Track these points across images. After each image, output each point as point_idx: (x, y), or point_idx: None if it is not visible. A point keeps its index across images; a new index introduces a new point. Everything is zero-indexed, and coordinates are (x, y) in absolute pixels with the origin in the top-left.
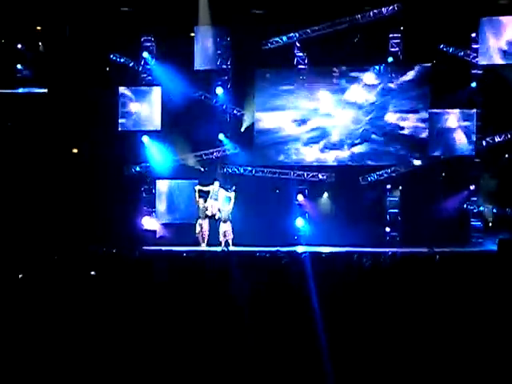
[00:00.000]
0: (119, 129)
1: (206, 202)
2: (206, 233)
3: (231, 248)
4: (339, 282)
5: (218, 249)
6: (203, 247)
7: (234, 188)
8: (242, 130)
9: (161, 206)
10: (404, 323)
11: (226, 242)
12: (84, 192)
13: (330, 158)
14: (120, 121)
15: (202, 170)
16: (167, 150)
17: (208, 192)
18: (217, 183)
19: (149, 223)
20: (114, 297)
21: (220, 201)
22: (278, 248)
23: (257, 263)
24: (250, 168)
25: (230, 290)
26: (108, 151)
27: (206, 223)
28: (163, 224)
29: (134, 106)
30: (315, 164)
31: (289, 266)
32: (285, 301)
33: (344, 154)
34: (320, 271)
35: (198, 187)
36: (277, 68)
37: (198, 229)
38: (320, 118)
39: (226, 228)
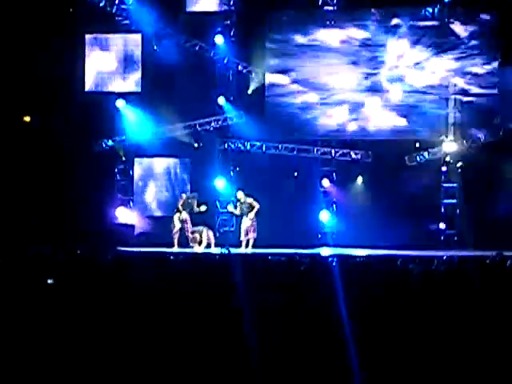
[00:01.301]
0: (86, 90)
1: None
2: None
3: (240, 250)
4: (378, 296)
5: (216, 250)
6: (197, 248)
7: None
8: (250, 92)
9: (140, 192)
10: (466, 348)
11: (247, 242)
12: (38, 174)
13: (366, 130)
14: (87, 80)
15: (196, 145)
16: (149, 119)
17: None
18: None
19: (125, 216)
20: (77, 313)
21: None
22: (297, 250)
23: (268, 271)
24: (259, 143)
25: (230, 308)
26: (71, 120)
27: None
28: (144, 217)
29: (105, 60)
30: (346, 138)
31: (310, 274)
32: (305, 322)
33: (384, 124)
34: (352, 281)
35: (184, 195)
36: (296, 9)
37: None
38: (352, 79)
39: (247, 224)
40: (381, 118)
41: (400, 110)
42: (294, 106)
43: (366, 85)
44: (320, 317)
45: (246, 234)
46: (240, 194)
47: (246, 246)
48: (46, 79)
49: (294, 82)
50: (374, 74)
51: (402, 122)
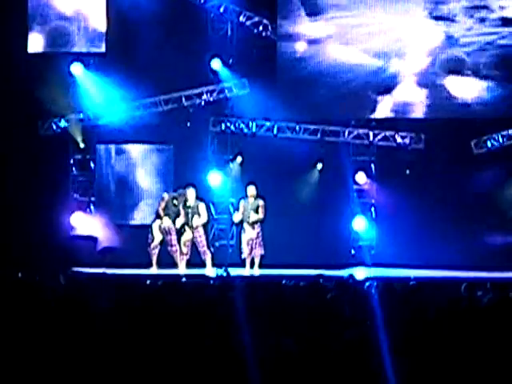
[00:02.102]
0: (29, 50)
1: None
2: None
3: (243, 271)
4: (434, 334)
5: (210, 272)
6: (181, 269)
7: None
8: (255, 51)
9: (105, 192)
10: None
11: (252, 260)
12: None
13: (416, 106)
14: (30, 37)
15: (182, 126)
16: (117, 91)
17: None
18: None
19: (83, 224)
20: (16, 355)
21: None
22: (321, 272)
23: (281, 300)
24: (269, 124)
25: (230, 356)
26: (8, 94)
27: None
28: (110, 226)
29: (55, 10)
30: (389, 117)
31: (339, 304)
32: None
33: (442, 95)
34: (398, 315)
35: (166, 195)
36: None
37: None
38: (398, 35)
39: (251, 235)
40: (437, 88)
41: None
42: (319, 72)
43: (420, 35)
44: (350, 368)
45: (251, 249)
46: (252, 190)
47: (252, 265)
48: None
49: (322, 36)
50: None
51: (471, 93)
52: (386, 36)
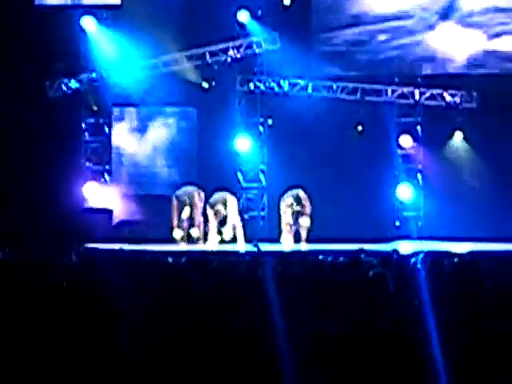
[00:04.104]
0: (35, 2)
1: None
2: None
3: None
4: (491, 311)
5: (237, 247)
6: (204, 244)
7: None
8: (287, 2)
9: (121, 160)
10: None
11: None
12: None
13: (468, 58)
14: None
15: (206, 85)
16: (134, 47)
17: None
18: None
19: (97, 195)
20: (27, 337)
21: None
22: (363, 246)
23: (319, 278)
24: (303, 82)
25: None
26: (13, 51)
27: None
28: (127, 197)
29: None
30: (437, 73)
31: (383, 281)
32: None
33: (497, 47)
34: (449, 292)
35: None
36: None
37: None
38: None
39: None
40: (491, 40)
41: None
42: (358, 22)
43: None
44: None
45: (296, 220)
46: (302, 194)
47: (297, 239)
48: None
49: None
50: None
51: None
52: None
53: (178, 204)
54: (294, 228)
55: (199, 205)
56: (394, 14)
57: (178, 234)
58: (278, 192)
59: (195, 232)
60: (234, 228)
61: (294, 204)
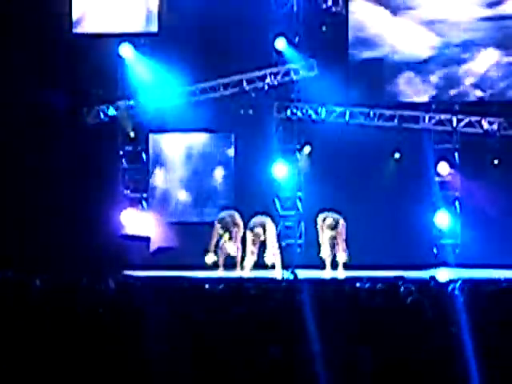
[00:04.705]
0: (74, 31)
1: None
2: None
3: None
4: None
5: (278, 275)
6: (241, 271)
7: None
8: (324, 28)
9: (159, 187)
10: None
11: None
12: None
13: (506, 87)
14: (74, 14)
15: (243, 112)
16: (171, 74)
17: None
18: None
19: (135, 222)
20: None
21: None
22: (401, 273)
23: (356, 305)
24: (339, 109)
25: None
26: (51, 78)
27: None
28: (165, 224)
29: None
30: (474, 99)
31: (420, 308)
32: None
33: None
34: (487, 319)
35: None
36: None
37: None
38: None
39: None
40: None
41: None
42: (396, 52)
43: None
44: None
45: (333, 247)
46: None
47: (334, 266)
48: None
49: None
50: None
51: None
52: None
53: (220, 227)
54: (330, 254)
55: (241, 226)
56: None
57: (210, 258)
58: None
59: (232, 250)
60: (273, 254)
61: (331, 227)
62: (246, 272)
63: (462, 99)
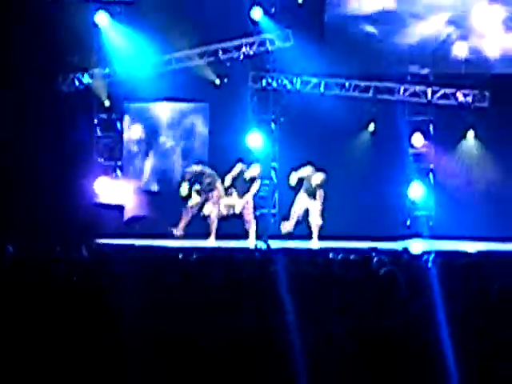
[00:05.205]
0: None
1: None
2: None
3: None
4: (499, 314)
5: (247, 243)
6: (211, 241)
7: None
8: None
9: (133, 155)
10: None
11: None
12: None
13: (481, 56)
14: None
15: (218, 82)
16: (147, 43)
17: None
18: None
19: (109, 191)
20: (37, 334)
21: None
22: (374, 244)
23: (329, 276)
24: (315, 80)
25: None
26: (25, 44)
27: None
28: (139, 192)
29: None
30: (449, 71)
31: (393, 280)
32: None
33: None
34: (459, 292)
35: (195, 168)
36: None
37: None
38: None
39: (308, 204)
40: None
41: None
42: (371, 20)
43: None
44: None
45: (306, 215)
46: (308, 170)
47: (308, 236)
48: None
49: None
50: None
51: None
52: None
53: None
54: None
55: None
56: (409, 11)
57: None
58: (289, 189)
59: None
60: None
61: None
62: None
63: (436, 70)
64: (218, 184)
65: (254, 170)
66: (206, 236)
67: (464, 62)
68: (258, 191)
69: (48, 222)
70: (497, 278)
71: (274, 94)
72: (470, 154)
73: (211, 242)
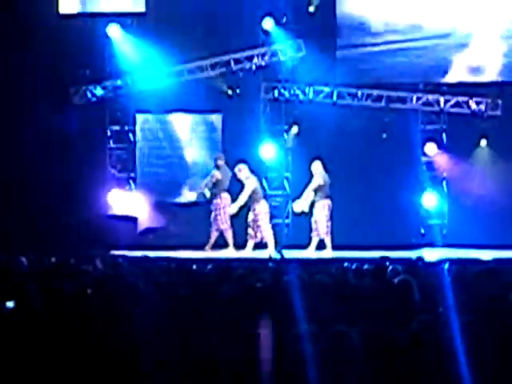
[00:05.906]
0: (60, 12)
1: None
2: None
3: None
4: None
5: (262, 253)
6: (230, 251)
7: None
8: (312, 9)
9: (146, 166)
10: None
11: (319, 240)
12: None
13: (492, 68)
14: None
15: (230, 92)
16: (159, 55)
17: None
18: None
19: (122, 203)
20: (45, 354)
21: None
22: (387, 253)
23: (343, 286)
24: (327, 89)
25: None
26: (38, 59)
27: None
28: (152, 204)
29: None
30: (462, 81)
31: (407, 289)
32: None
33: None
34: (473, 300)
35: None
36: None
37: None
38: None
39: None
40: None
41: None
42: (384, 30)
43: None
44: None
45: (316, 229)
46: (318, 165)
47: (320, 246)
48: None
49: None
50: None
51: None
52: None
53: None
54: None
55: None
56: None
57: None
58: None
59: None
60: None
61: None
62: (233, 252)
63: (449, 80)
64: (224, 194)
65: (243, 172)
66: (225, 246)
67: (474, 70)
68: (255, 189)
69: (61, 235)
70: None
71: (287, 105)
72: (483, 162)
73: (230, 253)
